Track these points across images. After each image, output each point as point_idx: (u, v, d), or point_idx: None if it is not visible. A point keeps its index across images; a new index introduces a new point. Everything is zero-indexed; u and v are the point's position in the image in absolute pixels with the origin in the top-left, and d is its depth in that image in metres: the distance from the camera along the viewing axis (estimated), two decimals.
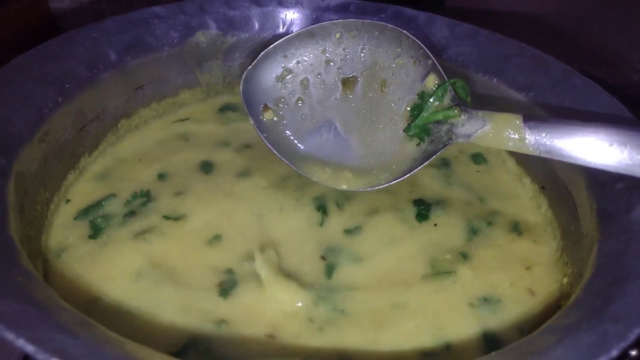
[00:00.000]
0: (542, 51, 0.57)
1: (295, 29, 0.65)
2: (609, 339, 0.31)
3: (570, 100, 0.51)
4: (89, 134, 0.55)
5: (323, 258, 0.47)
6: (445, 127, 0.47)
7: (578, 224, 0.45)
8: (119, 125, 0.59)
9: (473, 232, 0.50)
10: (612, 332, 0.31)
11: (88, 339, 0.30)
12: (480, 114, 0.46)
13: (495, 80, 0.57)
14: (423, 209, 0.52)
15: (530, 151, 0.42)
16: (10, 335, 0.28)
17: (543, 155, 0.42)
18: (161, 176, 0.55)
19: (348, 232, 0.50)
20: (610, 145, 0.39)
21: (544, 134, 0.42)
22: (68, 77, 0.52)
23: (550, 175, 0.52)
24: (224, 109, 0.66)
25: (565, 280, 0.45)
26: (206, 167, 0.56)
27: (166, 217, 0.50)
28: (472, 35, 0.60)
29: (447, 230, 0.50)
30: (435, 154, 0.48)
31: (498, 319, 0.43)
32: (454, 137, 0.47)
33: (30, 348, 0.28)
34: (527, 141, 0.42)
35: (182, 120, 0.63)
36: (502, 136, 0.44)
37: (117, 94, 0.58)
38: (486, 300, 0.44)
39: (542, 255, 0.49)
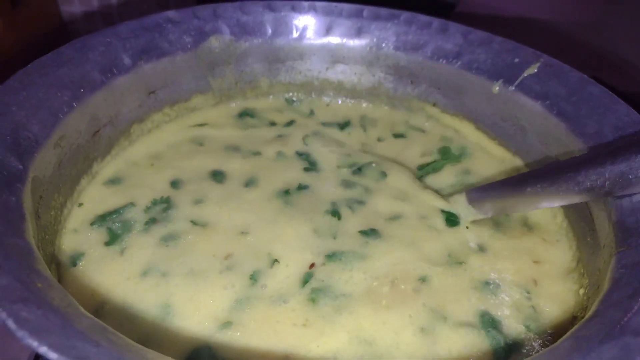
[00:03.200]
0: (553, 57, 0.57)
1: (308, 34, 0.65)
2: (631, 351, 0.30)
3: (586, 110, 0.50)
4: (102, 138, 0.56)
5: (312, 265, 0.48)
6: None
7: (595, 235, 0.45)
8: (131, 130, 0.59)
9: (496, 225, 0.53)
10: (634, 344, 0.31)
11: (109, 347, 0.30)
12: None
13: (510, 88, 0.57)
14: (452, 216, 0.53)
15: (480, 216, 0.52)
16: (33, 342, 0.28)
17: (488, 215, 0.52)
18: (174, 183, 0.55)
19: (364, 233, 0.50)
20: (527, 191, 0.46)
21: (480, 202, 0.51)
22: (83, 81, 0.52)
23: None
24: (243, 114, 0.66)
25: (581, 291, 0.45)
26: (218, 177, 0.57)
27: (194, 223, 0.50)
28: (486, 43, 0.60)
29: (477, 229, 0.53)
30: None
31: (497, 301, 0.45)
32: None
33: (53, 356, 0.28)
34: (474, 210, 0.52)
35: (200, 125, 0.64)
36: (464, 212, 0.53)
37: (130, 98, 0.58)
38: (488, 284, 0.47)
39: (550, 253, 0.50)
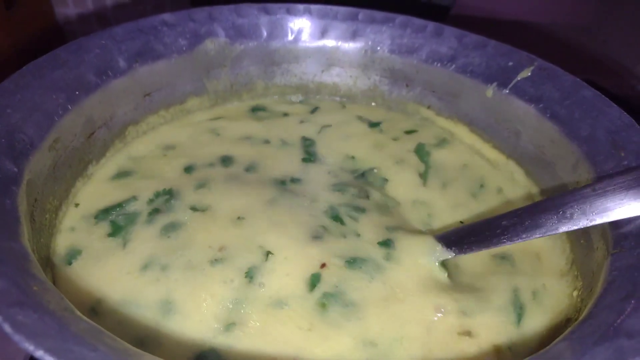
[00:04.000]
0: (547, 60, 0.58)
1: (304, 37, 0.66)
2: (625, 353, 0.31)
3: (580, 113, 0.51)
4: (97, 140, 0.56)
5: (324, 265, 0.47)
6: None
7: (588, 237, 0.45)
8: (126, 132, 0.59)
9: None
10: (627, 346, 0.31)
11: (106, 351, 0.30)
12: None
13: (505, 91, 0.57)
14: None
15: (450, 255, 0.48)
16: (29, 346, 0.28)
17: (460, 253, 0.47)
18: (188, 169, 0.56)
19: (382, 244, 0.49)
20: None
21: (451, 241, 0.48)
22: (78, 84, 0.52)
23: (560, 187, 0.52)
24: (255, 109, 0.68)
25: (575, 293, 0.45)
26: (226, 162, 0.58)
27: (194, 209, 0.51)
28: (481, 46, 0.60)
29: None
30: None
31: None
32: None
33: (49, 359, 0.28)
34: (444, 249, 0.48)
35: (216, 118, 0.65)
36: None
37: (125, 100, 0.58)
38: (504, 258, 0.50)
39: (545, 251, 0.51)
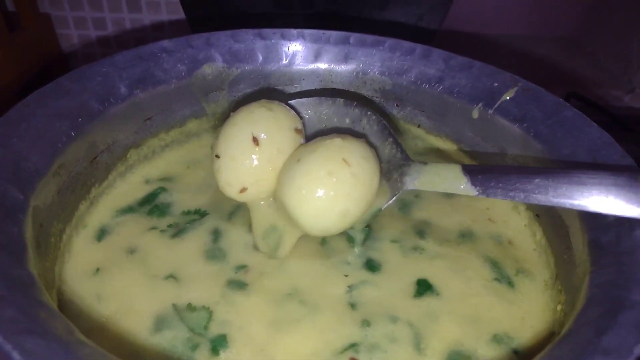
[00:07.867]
0: (533, 73, 0.60)
1: (298, 60, 0.68)
2: None
3: (561, 132, 0.53)
4: (100, 164, 0.58)
5: None
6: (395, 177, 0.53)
7: (571, 252, 0.47)
8: (128, 155, 0.61)
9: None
10: None
11: None
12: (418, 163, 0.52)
13: (490, 111, 0.59)
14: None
15: (473, 193, 0.47)
16: None
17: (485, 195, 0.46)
18: None
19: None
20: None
21: (478, 178, 0.47)
22: (81, 111, 0.54)
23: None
24: None
25: (559, 307, 0.47)
26: None
27: None
28: (466, 68, 0.62)
29: None
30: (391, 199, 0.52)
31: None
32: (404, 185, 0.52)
33: None
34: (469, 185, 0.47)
35: None
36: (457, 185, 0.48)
37: (127, 125, 0.60)
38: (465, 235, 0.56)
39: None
